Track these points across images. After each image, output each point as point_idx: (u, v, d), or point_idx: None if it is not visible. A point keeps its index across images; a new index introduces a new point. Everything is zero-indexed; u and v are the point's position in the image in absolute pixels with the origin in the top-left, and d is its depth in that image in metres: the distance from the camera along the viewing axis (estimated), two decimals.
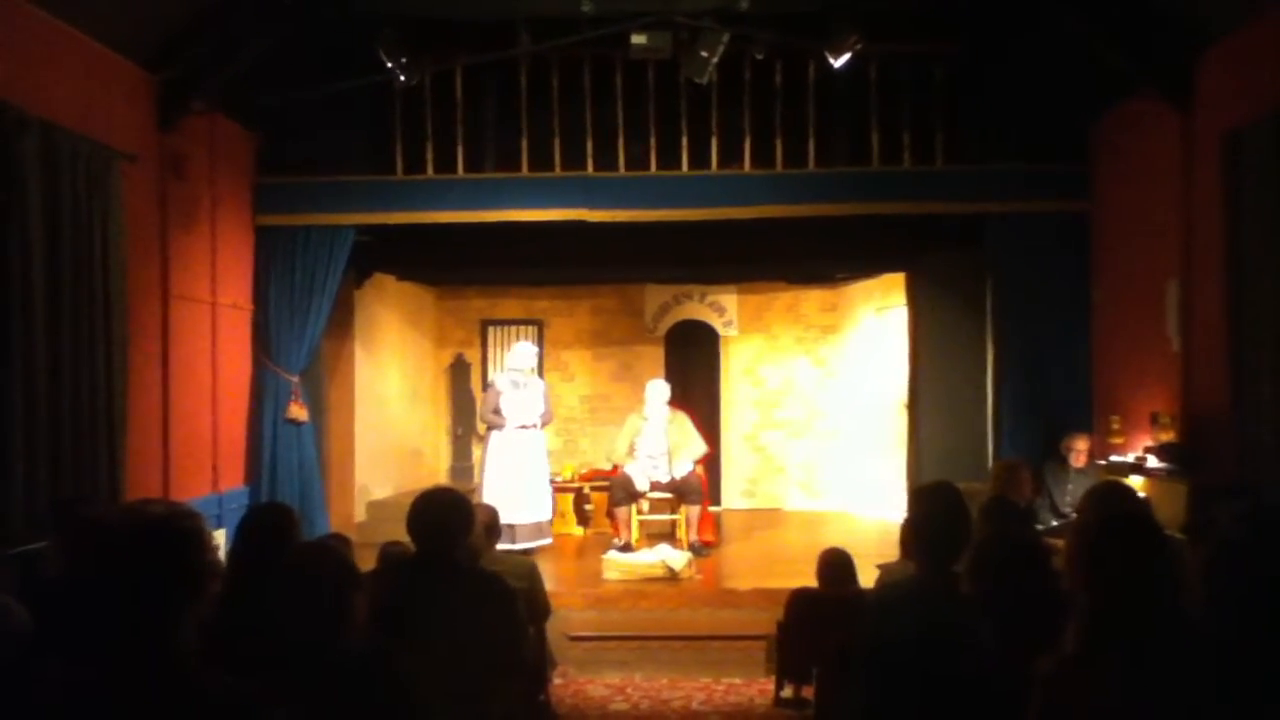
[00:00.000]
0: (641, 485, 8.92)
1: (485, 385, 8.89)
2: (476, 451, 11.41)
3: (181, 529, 1.83)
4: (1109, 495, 3.87)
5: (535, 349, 9.57)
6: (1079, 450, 7.21)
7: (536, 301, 12.38)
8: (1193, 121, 6.59)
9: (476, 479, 8.86)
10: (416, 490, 3.94)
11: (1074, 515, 6.16)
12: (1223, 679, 2.11)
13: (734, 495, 12.09)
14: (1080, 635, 2.26)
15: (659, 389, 9.25)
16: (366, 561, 4.50)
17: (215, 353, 7.57)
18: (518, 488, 8.76)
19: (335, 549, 3.11)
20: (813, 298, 12.17)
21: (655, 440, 9.07)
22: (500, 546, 7.89)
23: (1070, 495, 7.00)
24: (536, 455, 9.03)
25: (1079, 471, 7.15)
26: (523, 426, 8.89)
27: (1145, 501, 6.04)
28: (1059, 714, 2.21)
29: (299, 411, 8.09)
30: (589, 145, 8.11)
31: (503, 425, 8.84)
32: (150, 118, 6.80)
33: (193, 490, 7.14)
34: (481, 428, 8.80)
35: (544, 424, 9.16)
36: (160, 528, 1.81)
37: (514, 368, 9.09)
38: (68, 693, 1.79)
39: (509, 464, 8.81)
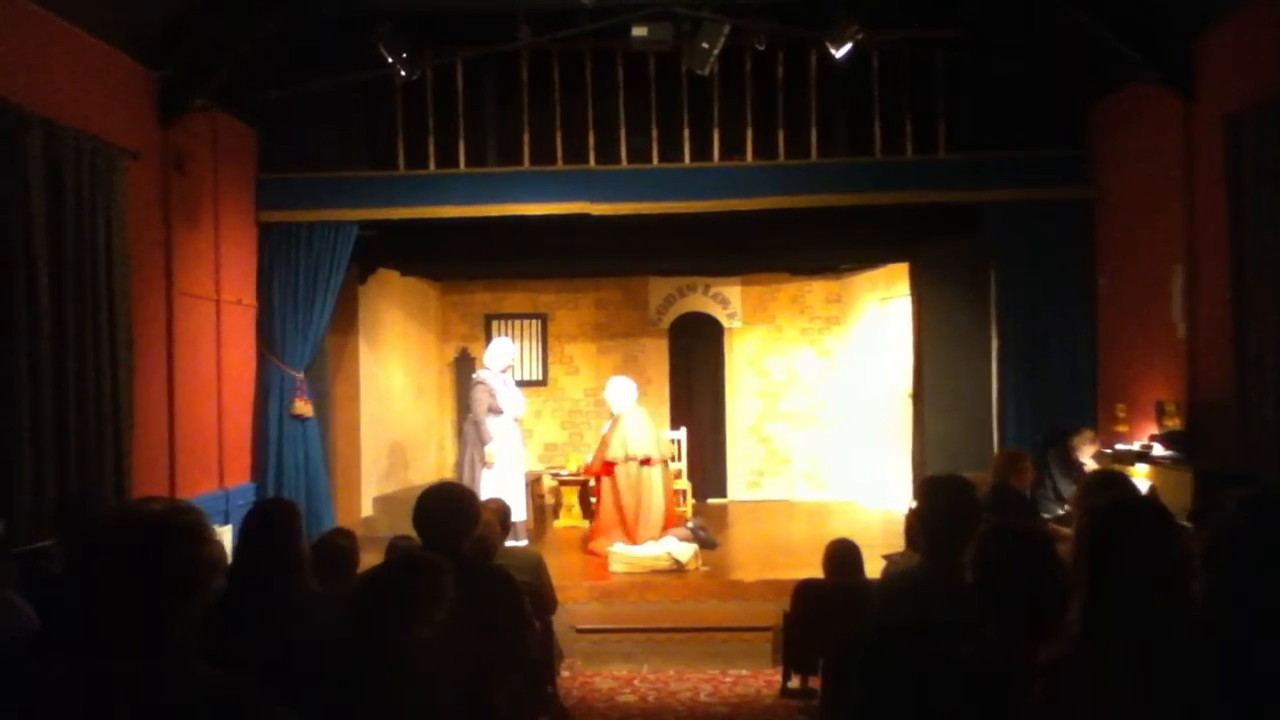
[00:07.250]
0: None
1: (473, 383, 8.68)
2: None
3: (181, 524, 1.83)
4: (1105, 486, 3.85)
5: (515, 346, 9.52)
6: (1089, 449, 7.09)
7: (540, 295, 12.38)
8: (1194, 106, 6.56)
9: (466, 476, 8.51)
10: (422, 485, 3.95)
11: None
12: (1224, 668, 2.09)
13: (739, 487, 12.10)
14: (1081, 623, 2.24)
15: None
16: (373, 557, 4.51)
17: (220, 349, 7.58)
18: (516, 484, 8.58)
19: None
20: (816, 289, 12.17)
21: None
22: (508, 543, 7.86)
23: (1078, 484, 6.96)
24: (522, 453, 8.93)
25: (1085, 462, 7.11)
26: (516, 420, 8.78)
27: (1151, 490, 6.04)
28: (1061, 703, 2.21)
29: (304, 407, 8.09)
30: (591, 138, 8.10)
31: (501, 413, 8.58)
32: (151, 114, 6.80)
33: (199, 486, 7.16)
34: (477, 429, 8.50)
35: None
36: (161, 524, 1.81)
37: (505, 365, 8.82)
38: (71, 689, 1.79)
39: (511, 459, 8.64)
